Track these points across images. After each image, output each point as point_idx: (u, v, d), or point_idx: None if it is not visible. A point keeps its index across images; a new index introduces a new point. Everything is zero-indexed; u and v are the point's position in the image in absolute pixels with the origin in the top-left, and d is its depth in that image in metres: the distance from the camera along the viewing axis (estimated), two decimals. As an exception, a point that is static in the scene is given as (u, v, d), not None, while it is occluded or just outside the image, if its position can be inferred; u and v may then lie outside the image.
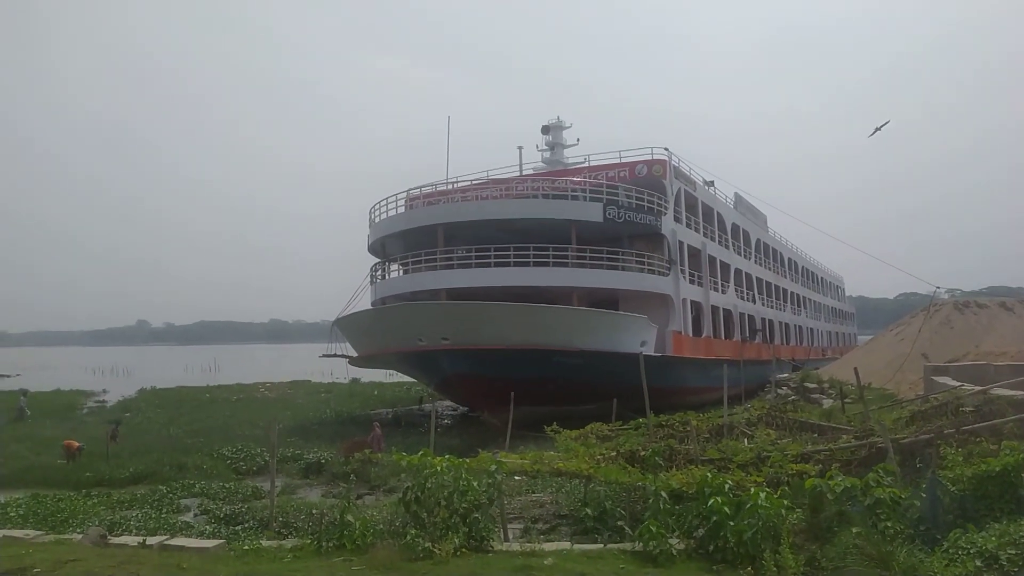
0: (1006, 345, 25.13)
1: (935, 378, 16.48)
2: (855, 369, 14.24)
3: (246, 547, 9.06)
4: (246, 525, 11.87)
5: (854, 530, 8.15)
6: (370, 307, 32.04)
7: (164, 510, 13.62)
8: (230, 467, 18.66)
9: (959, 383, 14.63)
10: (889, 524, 8.25)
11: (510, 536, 9.98)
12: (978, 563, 7.35)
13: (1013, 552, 7.33)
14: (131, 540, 9.55)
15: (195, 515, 13.58)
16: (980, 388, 13.23)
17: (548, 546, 8.99)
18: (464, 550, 8.36)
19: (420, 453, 9.49)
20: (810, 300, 58.39)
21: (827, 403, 21.67)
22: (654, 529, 8.44)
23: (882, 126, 29.65)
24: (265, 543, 9.36)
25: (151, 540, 9.49)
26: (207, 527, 11.85)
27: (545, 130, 38.57)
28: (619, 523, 9.87)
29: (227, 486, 15.90)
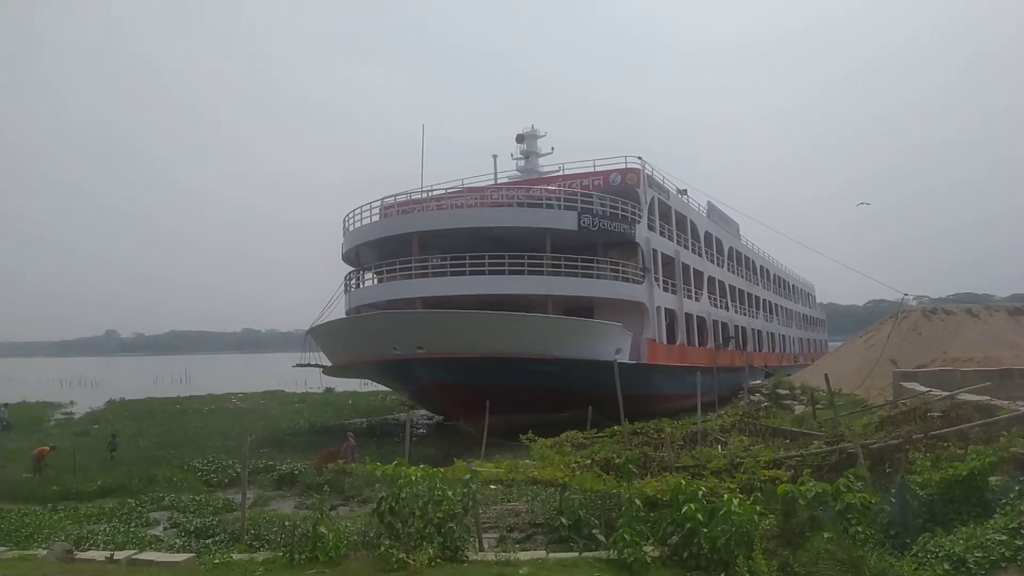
0: (972, 351, 25.62)
1: (903, 384, 16.75)
2: (826, 375, 14.43)
3: (216, 561, 8.92)
4: (217, 538, 11.68)
5: (825, 535, 8.25)
6: (344, 316, 31.79)
7: (133, 524, 13.36)
8: (201, 479, 18.38)
9: (927, 388, 14.88)
10: (860, 529, 8.36)
11: (485, 545, 9.94)
12: (946, 566, 7.47)
13: (980, 555, 7.46)
14: (98, 555, 9.37)
15: (165, 528, 13.35)
16: (947, 393, 13.46)
17: (523, 555, 8.97)
18: (439, 560, 8.31)
19: (394, 463, 9.44)
20: (782, 307, 59.08)
21: (799, 409, 21.95)
22: (628, 537, 8.46)
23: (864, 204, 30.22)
24: (236, 556, 9.22)
25: (119, 555, 9.31)
26: (177, 541, 11.65)
27: (520, 139, 38.65)
28: (594, 531, 9.88)
29: (198, 499, 15.66)
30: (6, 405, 33.42)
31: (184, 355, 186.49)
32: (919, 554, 7.85)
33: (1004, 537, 7.57)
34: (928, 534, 8.15)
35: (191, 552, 9.93)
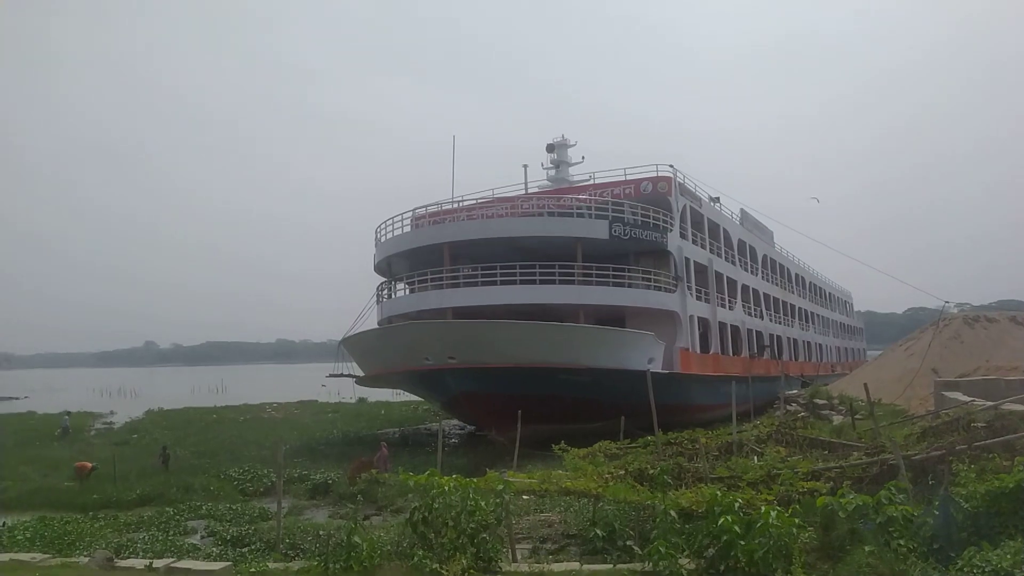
0: (1017, 360, 24.93)
1: (945, 393, 16.34)
2: (865, 385, 14.13)
3: (252, 569, 9.00)
4: (253, 547, 11.82)
5: (866, 548, 8.06)
6: (376, 326, 32.04)
7: (171, 532, 13.58)
8: (237, 488, 18.61)
9: (970, 399, 14.51)
10: (902, 542, 8.15)
11: (518, 556, 9.89)
12: (993, 581, 7.24)
13: (1029, 570, 7.23)
14: (138, 563, 9.49)
15: (202, 537, 13.54)
16: (991, 403, 13.11)
17: (557, 567, 8.90)
18: (472, 571, 8.28)
19: (427, 473, 9.44)
20: (818, 315, 58.15)
21: (837, 419, 21.52)
22: (663, 549, 8.34)
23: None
24: (272, 565, 9.30)
25: (158, 563, 9.43)
26: (214, 549, 11.81)
27: (550, 148, 38.69)
28: (628, 543, 9.77)
29: (234, 507, 15.86)
30: (68, 414, 36.18)
31: (220, 365, 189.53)
32: (964, 568, 7.62)
33: (1054, 552, 7.32)
34: (974, 548, 7.91)
35: (227, 560, 10.04)
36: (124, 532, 13.33)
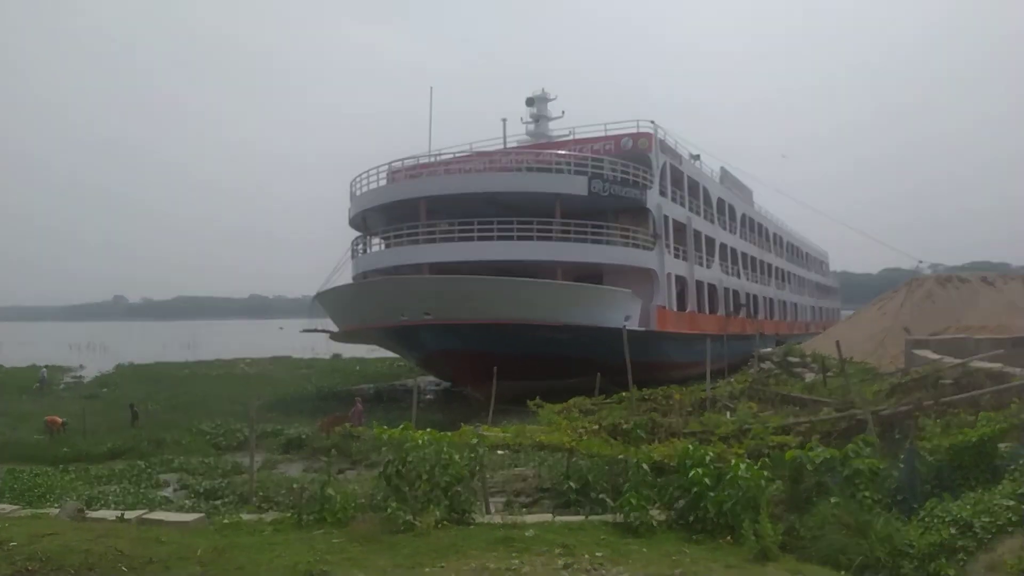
0: (986, 319, 25.39)
1: (916, 352, 16.61)
2: (837, 343, 14.30)
3: (226, 521, 8.98)
4: (226, 500, 11.82)
5: (832, 500, 8.21)
6: (352, 282, 31.80)
7: (143, 485, 13.54)
8: (210, 443, 18.57)
9: (939, 356, 14.75)
10: (867, 494, 8.32)
11: (492, 509, 9.97)
12: (953, 531, 7.42)
13: (987, 520, 7.41)
14: (109, 515, 9.43)
15: (174, 490, 13.51)
16: (959, 361, 13.34)
17: (529, 518, 8.98)
18: (445, 523, 8.33)
19: (401, 427, 9.43)
20: (794, 275, 58.74)
21: (809, 377, 21.82)
22: (635, 501, 8.44)
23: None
24: (245, 517, 9.28)
25: (129, 515, 9.37)
26: (186, 502, 11.80)
27: (530, 102, 38.17)
28: (601, 495, 9.88)
29: (207, 461, 15.83)
30: (45, 367, 37.57)
31: (192, 320, 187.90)
32: (926, 519, 7.81)
33: (1011, 502, 7.51)
34: (936, 499, 8.10)
35: (200, 513, 10.02)
36: (95, 485, 13.26)
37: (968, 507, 7.70)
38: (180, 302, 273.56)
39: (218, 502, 11.68)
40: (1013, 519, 7.34)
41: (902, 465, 8.62)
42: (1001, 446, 8.84)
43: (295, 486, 11.18)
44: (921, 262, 34.92)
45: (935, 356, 14.78)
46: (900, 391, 12.62)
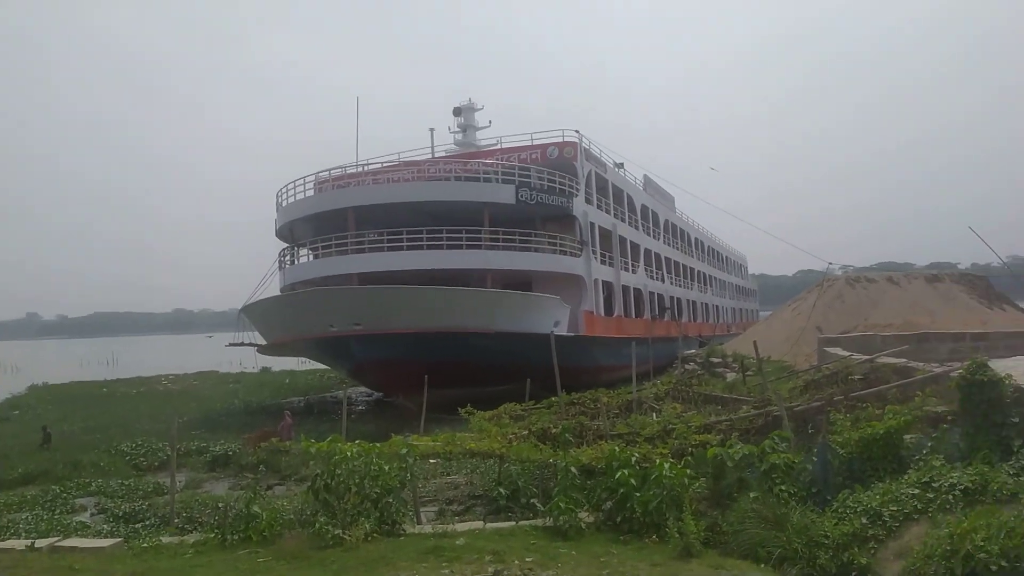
0: (892, 317, 26.80)
1: (827, 349, 17.40)
2: (754, 343, 14.90)
3: (145, 545, 8.70)
4: (147, 523, 11.40)
5: (752, 495, 8.55)
6: (279, 293, 31.15)
7: (57, 511, 12.90)
8: (130, 463, 17.82)
9: (849, 353, 15.49)
10: (783, 487, 8.69)
11: (424, 519, 9.97)
12: (864, 520, 7.83)
13: (895, 508, 7.85)
14: (18, 544, 9.00)
15: (92, 515, 12.94)
16: (868, 357, 14.05)
17: (460, 526, 9.03)
18: (375, 535, 8.29)
19: (329, 440, 9.33)
20: (715, 278, 60.51)
21: (730, 376, 22.58)
22: (564, 504, 8.60)
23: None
24: (165, 540, 9.01)
25: (41, 542, 8.97)
26: (104, 526, 11.32)
27: (457, 112, 38.26)
28: (532, 500, 10.00)
29: (126, 483, 15.19)
30: None
31: (112, 337, 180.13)
32: (839, 510, 8.21)
33: (916, 491, 7.97)
34: (847, 491, 8.53)
35: (119, 537, 9.66)
36: (4, 513, 12.56)
37: (877, 497, 8.14)
38: (98, 318, 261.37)
39: (138, 525, 11.25)
40: (918, 507, 7.79)
41: (815, 459, 9.03)
42: (907, 437, 9.37)
43: (220, 505, 10.88)
44: (831, 264, 36.54)
45: (845, 353, 15.51)
46: (813, 387, 13.21)
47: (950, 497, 7.70)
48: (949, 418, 9.42)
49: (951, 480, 7.93)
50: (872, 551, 7.55)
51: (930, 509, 7.64)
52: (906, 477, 8.46)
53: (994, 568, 6.09)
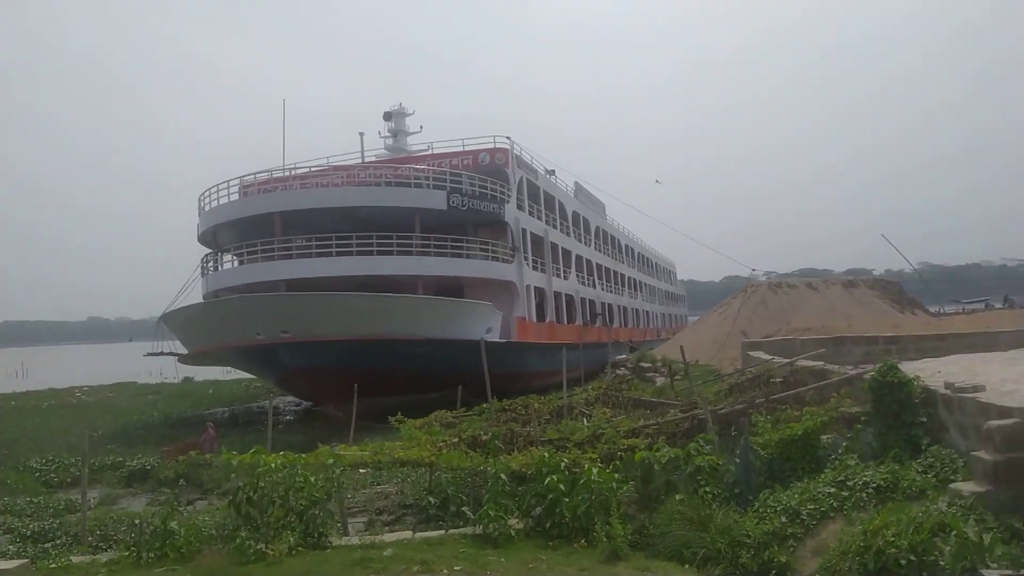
0: (811, 321, 27.81)
1: (751, 353, 17.90)
2: (681, 347, 15.23)
3: (53, 565, 8.26)
4: (56, 542, 10.79)
5: (678, 497, 8.72)
6: (202, 300, 30.13)
7: (-43, 533, 12.10)
8: (39, 480, 16.90)
9: (771, 357, 15.97)
10: (708, 489, 8.90)
11: (351, 530, 9.78)
12: (783, 519, 8.08)
13: (812, 507, 8.13)
14: (-89, 570, 8.41)
15: (-4, 536, 12.19)
16: (787, 360, 14.52)
17: (389, 537, 8.90)
18: (300, 548, 8.10)
19: (252, 451, 9.07)
20: (646, 284, 61.66)
21: (660, 381, 23.01)
22: (493, 512, 8.59)
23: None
24: (76, 559, 8.57)
25: (-64, 568, 8.40)
26: (10, 547, 10.66)
27: (387, 116, 37.90)
28: (463, 508, 9.94)
29: (35, 501, 14.37)
30: None
31: (21, 347, 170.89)
32: (760, 509, 8.45)
33: (832, 489, 8.28)
34: (768, 490, 8.79)
35: (25, 558, 9.12)
36: None
37: (796, 496, 8.41)
38: (7, 327, 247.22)
39: (47, 545, 10.64)
40: (834, 505, 8.09)
41: (738, 460, 9.28)
42: (823, 437, 9.72)
43: (136, 522, 10.41)
44: (755, 270, 37.88)
45: (767, 357, 15.99)
46: (737, 390, 13.57)
47: (864, 495, 8.03)
48: (863, 418, 9.79)
49: (864, 478, 8.27)
50: (791, 549, 7.79)
51: (845, 507, 7.95)
52: (823, 476, 8.78)
53: (903, 562, 6.35)
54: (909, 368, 10.70)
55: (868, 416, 9.73)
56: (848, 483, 8.32)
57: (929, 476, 8.08)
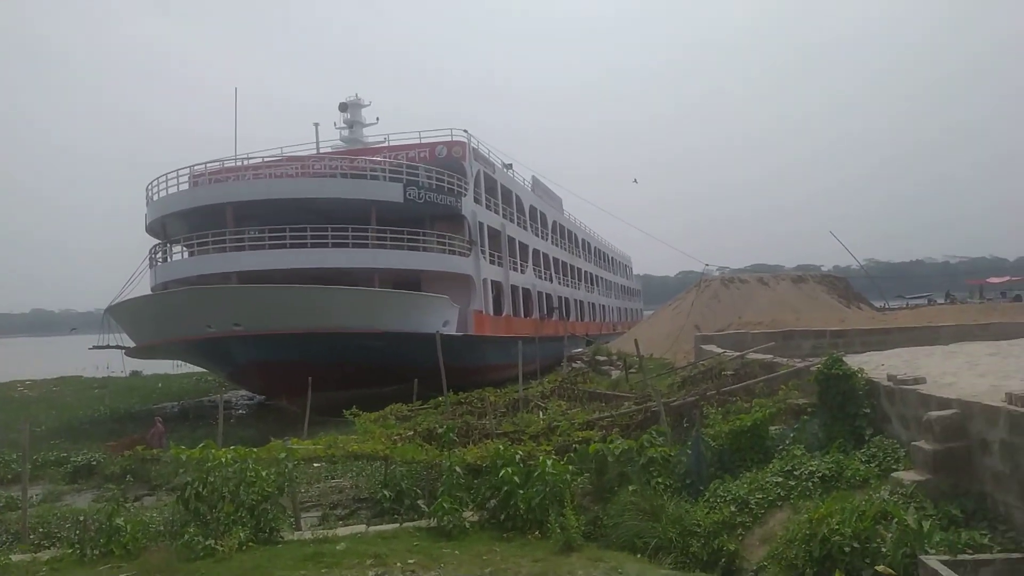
0: (762, 315, 28.37)
1: (703, 346, 18.19)
2: (635, 340, 15.40)
3: (-9, 565, 7.98)
4: (-5, 541, 10.46)
5: (631, 488, 8.83)
6: (151, 293, 29.41)
7: None
8: (-23, 477, 16.32)
9: (723, 350, 16.26)
10: (660, 480, 9.04)
11: (304, 525, 9.67)
12: (733, 508, 8.25)
13: (760, 496, 8.32)
14: None
15: (-71, 536, 11.74)
16: (738, 353, 14.80)
17: (342, 531, 8.83)
18: (251, 544, 7.98)
19: (201, 445, 8.90)
20: (602, 278, 62.18)
21: (615, 374, 23.23)
22: (447, 505, 8.58)
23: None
24: (16, 558, 8.30)
25: None
26: (-55, 548, 10.28)
27: (343, 107, 37.44)
28: (418, 501, 9.92)
29: (-27, 499, 13.88)
30: None
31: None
32: (710, 499, 8.62)
33: (780, 479, 8.48)
34: (718, 480, 8.96)
35: (-39, 558, 8.80)
36: None
37: (745, 486, 8.59)
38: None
39: (-14, 544, 10.30)
40: (782, 494, 8.28)
41: (690, 451, 9.44)
42: (772, 428, 9.93)
43: (80, 518, 10.13)
44: (708, 265, 38.43)
45: (719, 350, 16.27)
46: (690, 383, 13.79)
47: (809, 484, 8.23)
48: (809, 410, 10.04)
49: (811, 468, 8.49)
50: (740, 538, 7.96)
51: (792, 496, 8.14)
52: (770, 466, 8.98)
53: (847, 549, 6.54)
54: (854, 361, 11.00)
55: (814, 407, 9.98)
56: (795, 473, 8.52)
57: (872, 466, 8.32)
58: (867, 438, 9.10)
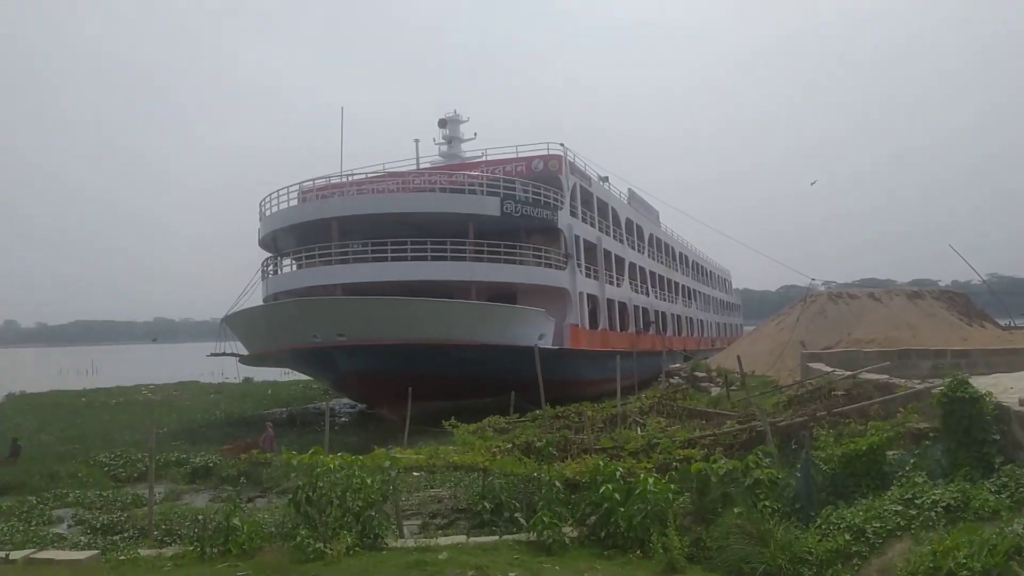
0: (874, 332, 26.98)
1: (810, 364, 17.47)
2: (738, 357, 14.96)
3: (122, 557, 8.56)
4: (124, 535, 11.21)
5: (736, 510, 8.54)
6: (262, 303, 30.93)
7: (33, 522, 12.65)
8: (108, 474, 17.55)
9: (832, 368, 15.56)
10: (767, 503, 8.70)
11: (406, 532, 9.88)
12: (847, 537, 7.85)
13: (878, 525, 7.87)
14: (-8, 556, 8.82)
15: (69, 526, 12.72)
16: (850, 373, 14.12)
17: (443, 540, 8.97)
18: (357, 549, 8.21)
19: (311, 451, 9.25)
20: (700, 292, 60.80)
21: (715, 391, 22.63)
22: (547, 519, 8.57)
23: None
24: (143, 552, 8.87)
25: (16, 554, 8.81)
26: (82, 538, 11.12)
27: (442, 124, 38.35)
28: (516, 515, 9.95)
29: (105, 494, 14.93)
30: None
31: (92, 346, 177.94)
32: (822, 526, 8.22)
33: (899, 507, 8.00)
34: (831, 507, 8.55)
35: (96, 549, 9.49)
36: (-23, 525, 12.30)
37: (861, 513, 8.16)
38: (78, 327, 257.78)
39: (116, 537, 11.06)
40: (901, 523, 7.81)
41: (799, 474, 9.05)
42: (889, 453, 9.41)
43: (200, 517, 10.73)
44: (814, 279, 36.93)
45: (828, 368, 15.58)
46: (796, 403, 13.25)
47: (932, 514, 7.74)
48: (931, 435, 9.46)
49: (933, 497, 7.98)
50: (856, 568, 7.56)
51: (913, 526, 7.67)
52: (889, 493, 8.49)
53: (976, 585, 6.11)
54: (980, 383, 10.28)
55: (937, 432, 9.39)
56: (916, 501, 8.03)
57: (1003, 496, 7.75)
58: (997, 467, 8.48)
